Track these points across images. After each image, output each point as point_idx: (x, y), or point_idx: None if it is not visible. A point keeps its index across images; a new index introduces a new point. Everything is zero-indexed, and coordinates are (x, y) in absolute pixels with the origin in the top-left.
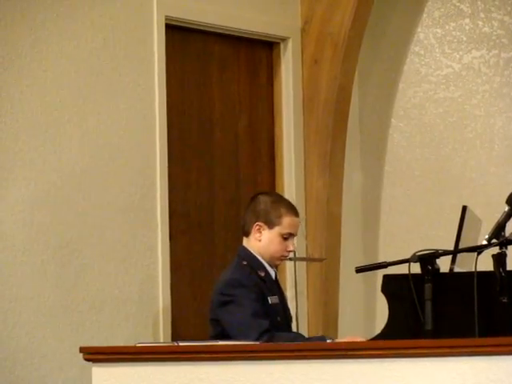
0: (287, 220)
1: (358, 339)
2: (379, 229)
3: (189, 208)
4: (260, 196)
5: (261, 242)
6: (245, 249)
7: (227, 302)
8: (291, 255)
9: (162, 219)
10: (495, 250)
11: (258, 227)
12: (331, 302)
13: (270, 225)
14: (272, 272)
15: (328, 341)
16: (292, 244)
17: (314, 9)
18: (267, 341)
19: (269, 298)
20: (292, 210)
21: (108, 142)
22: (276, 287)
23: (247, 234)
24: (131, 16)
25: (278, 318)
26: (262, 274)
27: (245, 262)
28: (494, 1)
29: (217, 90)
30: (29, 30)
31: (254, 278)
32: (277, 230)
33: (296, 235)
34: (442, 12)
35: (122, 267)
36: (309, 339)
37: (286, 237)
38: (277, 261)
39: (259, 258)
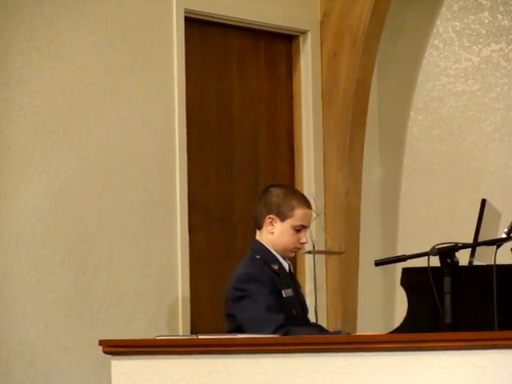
0: (299, 212)
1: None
2: (398, 222)
3: (208, 201)
4: (271, 188)
5: (273, 234)
6: (258, 242)
7: (241, 297)
8: (309, 248)
9: (181, 212)
10: None
11: (270, 220)
12: (350, 295)
13: (282, 217)
14: (286, 265)
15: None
16: (305, 236)
17: (333, 2)
18: (283, 336)
19: (283, 292)
20: (304, 201)
21: (127, 136)
22: (291, 280)
23: (260, 227)
24: (150, 9)
25: (294, 312)
26: (276, 268)
27: (258, 256)
28: None
29: (236, 83)
30: (48, 23)
31: (268, 271)
32: (289, 222)
33: (309, 227)
34: (461, 5)
35: (141, 260)
36: (324, 334)
37: (299, 229)
38: (290, 253)
39: (272, 251)
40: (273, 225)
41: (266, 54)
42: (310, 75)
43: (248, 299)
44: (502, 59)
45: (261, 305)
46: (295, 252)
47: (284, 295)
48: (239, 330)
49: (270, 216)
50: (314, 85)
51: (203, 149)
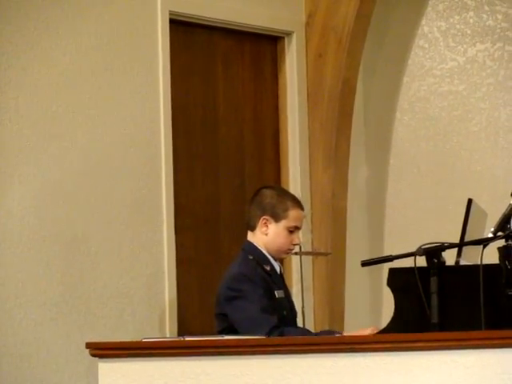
0: (293, 213)
1: (367, 331)
2: (384, 222)
3: (194, 203)
4: (264, 190)
5: (267, 235)
6: (250, 243)
7: (235, 297)
8: (297, 249)
9: (167, 215)
10: (501, 242)
11: (264, 221)
12: (337, 296)
13: (277, 218)
14: (277, 266)
15: (336, 335)
16: (297, 237)
17: (318, 3)
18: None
19: (276, 292)
20: (297, 203)
21: (113, 138)
22: (281, 282)
23: (253, 228)
24: (135, 11)
25: (284, 313)
26: (268, 268)
27: (251, 257)
28: None
29: (221, 84)
30: (33, 26)
31: (261, 271)
32: (283, 223)
33: (301, 228)
34: (446, 5)
35: (128, 263)
36: (317, 334)
37: (292, 230)
38: (283, 254)
39: (265, 252)
40: (267, 226)
41: (251, 55)
42: (296, 76)
43: (242, 299)
44: (487, 59)
45: (255, 305)
46: (288, 254)
47: (276, 295)
48: (230, 329)
49: (265, 217)
50: (299, 86)
51: (189, 150)
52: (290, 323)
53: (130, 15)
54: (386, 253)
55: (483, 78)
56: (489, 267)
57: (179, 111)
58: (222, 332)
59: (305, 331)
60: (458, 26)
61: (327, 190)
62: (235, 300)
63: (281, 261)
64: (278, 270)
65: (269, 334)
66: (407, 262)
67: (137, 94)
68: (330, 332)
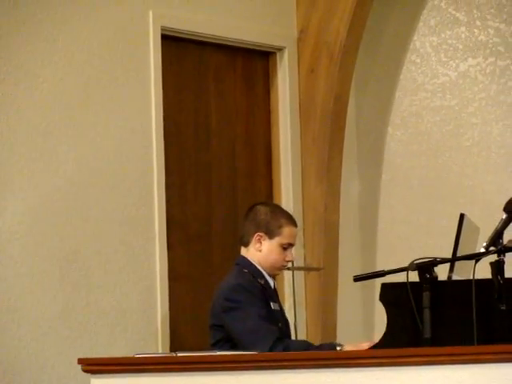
0: (287, 230)
1: (365, 345)
2: (377, 237)
3: (186, 218)
4: (259, 206)
5: (261, 252)
6: (244, 258)
7: (233, 308)
8: (289, 264)
9: (159, 230)
10: (493, 257)
11: (258, 237)
12: (329, 310)
13: (271, 235)
14: (271, 281)
15: (338, 348)
16: (291, 254)
17: (310, 18)
18: (282, 351)
19: (271, 304)
20: (291, 220)
21: (105, 153)
22: (275, 296)
23: (246, 244)
24: (127, 27)
25: (280, 325)
26: (262, 282)
27: (246, 270)
28: (490, 9)
29: (213, 100)
30: (25, 41)
31: (256, 284)
32: (277, 240)
33: (294, 245)
34: (437, 20)
35: (121, 278)
36: (319, 347)
37: (286, 247)
38: (276, 270)
39: (258, 267)
40: (261, 242)
41: (243, 70)
42: (288, 91)
43: (241, 310)
44: (479, 74)
45: (254, 317)
46: (281, 270)
47: (272, 307)
48: (225, 341)
49: (259, 234)
50: (291, 101)
51: (181, 166)
52: (284, 336)
53: (122, 31)
54: (379, 267)
55: (475, 93)
56: (481, 282)
57: (171, 126)
58: (216, 343)
59: (307, 343)
60: (449, 41)
61: (319, 204)
62: (233, 311)
63: (274, 276)
64: (271, 284)
65: (273, 346)
66: (399, 277)
67: (129, 109)
68: (331, 345)
